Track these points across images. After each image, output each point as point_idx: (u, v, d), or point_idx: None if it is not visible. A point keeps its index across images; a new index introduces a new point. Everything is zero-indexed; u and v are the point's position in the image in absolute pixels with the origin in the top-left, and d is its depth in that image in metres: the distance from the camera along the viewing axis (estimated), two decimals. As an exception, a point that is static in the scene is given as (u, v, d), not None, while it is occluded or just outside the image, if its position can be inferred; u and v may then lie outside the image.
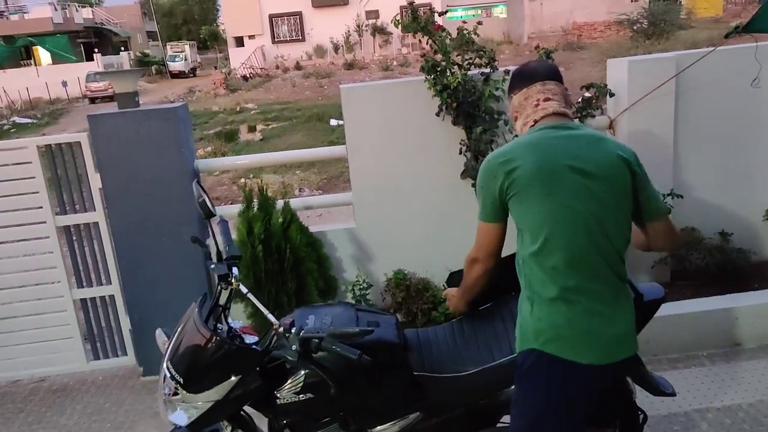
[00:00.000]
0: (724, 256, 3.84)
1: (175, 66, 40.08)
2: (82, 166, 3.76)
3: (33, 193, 3.73)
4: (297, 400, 2.05)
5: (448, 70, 3.49)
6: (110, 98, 30.91)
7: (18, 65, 34.71)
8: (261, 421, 2.23)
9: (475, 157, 3.60)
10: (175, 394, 2.02)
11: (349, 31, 33.83)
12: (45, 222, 3.77)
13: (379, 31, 33.72)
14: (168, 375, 2.04)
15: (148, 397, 3.67)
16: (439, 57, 3.52)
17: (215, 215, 2.35)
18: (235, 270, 2.25)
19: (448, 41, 3.46)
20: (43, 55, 36.78)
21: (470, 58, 3.51)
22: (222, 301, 2.23)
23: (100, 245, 3.87)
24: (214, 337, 1.99)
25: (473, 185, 3.74)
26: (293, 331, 1.95)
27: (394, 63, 29.52)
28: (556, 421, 1.84)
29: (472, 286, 2.13)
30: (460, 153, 3.66)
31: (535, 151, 1.85)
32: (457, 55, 3.50)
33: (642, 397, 2.21)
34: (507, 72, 3.52)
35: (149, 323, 3.82)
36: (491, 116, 3.56)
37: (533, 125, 1.96)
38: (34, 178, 3.71)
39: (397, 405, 2.14)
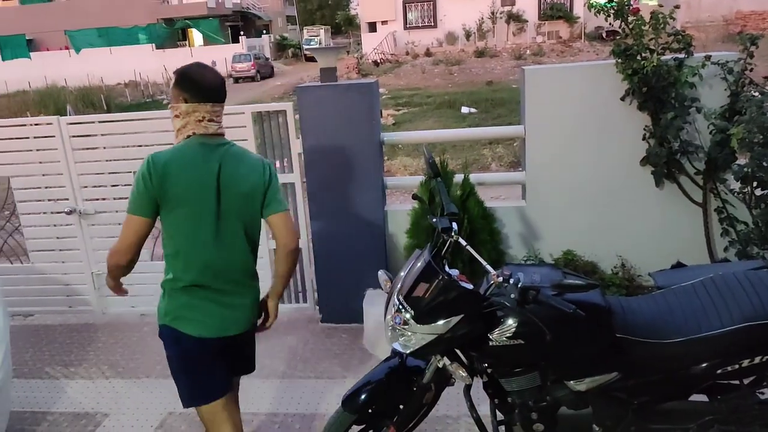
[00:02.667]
0: None
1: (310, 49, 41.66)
2: (285, 133, 4.26)
3: (244, 151, 4.27)
4: (508, 344, 2.29)
5: (639, 54, 3.57)
6: (251, 78, 32.94)
7: (175, 45, 37.93)
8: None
9: (660, 144, 3.67)
10: (405, 323, 2.36)
11: (482, 18, 33.58)
12: (252, 179, 4.30)
13: (513, 18, 33.22)
14: (399, 307, 2.37)
15: (328, 340, 4.13)
16: (630, 41, 3.61)
17: (440, 174, 2.66)
18: (455, 224, 2.55)
19: (644, 27, 3.54)
20: (196, 36, 39.87)
21: (666, 43, 3.57)
22: (443, 251, 2.54)
23: (294, 204, 4.36)
24: (447, 279, 2.30)
25: (653, 172, 3.83)
26: (511, 281, 2.22)
27: (527, 52, 29.04)
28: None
29: None
30: (643, 139, 3.75)
31: (180, 159, 2.21)
32: (649, 39, 3.57)
33: None
34: (707, 57, 3.54)
35: (330, 275, 4.31)
36: (682, 103, 3.60)
37: (188, 137, 2.26)
38: (246, 140, 4.25)
39: (597, 362, 2.28)
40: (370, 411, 2.66)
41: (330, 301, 4.37)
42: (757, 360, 2.18)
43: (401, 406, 2.72)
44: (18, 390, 3.52)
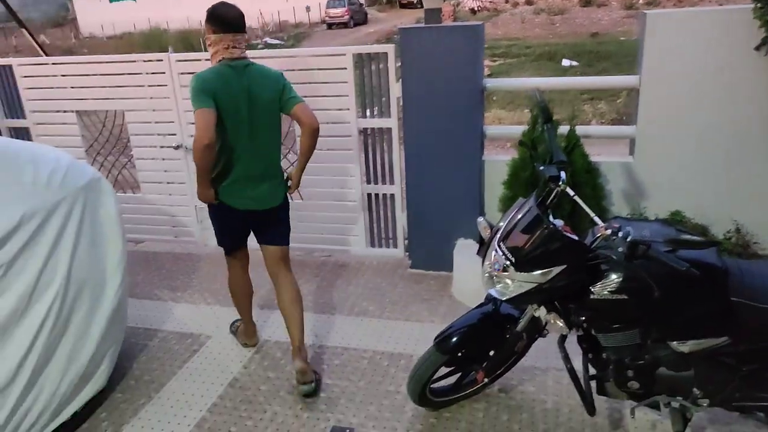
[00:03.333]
0: None
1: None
2: (384, 76, 4.23)
3: (344, 96, 4.29)
4: (610, 298, 2.22)
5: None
6: (344, 24, 32.87)
7: (271, -11, 38.33)
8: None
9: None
10: (504, 270, 2.33)
11: (590, -36, 31.65)
12: (349, 123, 4.34)
13: (625, -37, 31.12)
14: (499, 253, 2.34)
15: (416, 286, 4.17)
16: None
17: (552, 119, 2.56)
18: (563, 173, 2.46)
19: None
20: (293, -20, 40.11)
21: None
22: (548, 200, 2.46)
23: (390, 149, 4.36)
24: (552, 227, 2.24)
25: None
26: (620, 234, 2.13)
27: (640, 1, 27.21)
28: None
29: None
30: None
31: (219, 79, 2.80)
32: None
33: None
34: None
35: (422, 222, 4.32)
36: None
37: (220, 60, 2.86)
38: (346, 83, 4.26)
39: (707, 325, 2.18)
40: (460, 354, 2.69)
41: (420, 247, 4.39)
42: None
43: (491, 353, 2.74)
44: (131, 308, 3.79)
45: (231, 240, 3.23)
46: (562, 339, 2.52)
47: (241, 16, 2.91)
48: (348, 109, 4.32)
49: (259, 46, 26.23)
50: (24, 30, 7.77)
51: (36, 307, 2.62)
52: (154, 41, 26.40)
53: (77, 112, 4.92)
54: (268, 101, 2.92)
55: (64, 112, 4.94)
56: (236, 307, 3.48)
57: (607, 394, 2.48)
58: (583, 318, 2.37)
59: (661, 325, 2.26)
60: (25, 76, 4.93)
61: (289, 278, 3.23)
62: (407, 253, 4.54)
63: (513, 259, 2.29)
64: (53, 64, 4.92)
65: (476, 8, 31.17)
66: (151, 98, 4.68)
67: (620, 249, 2.09)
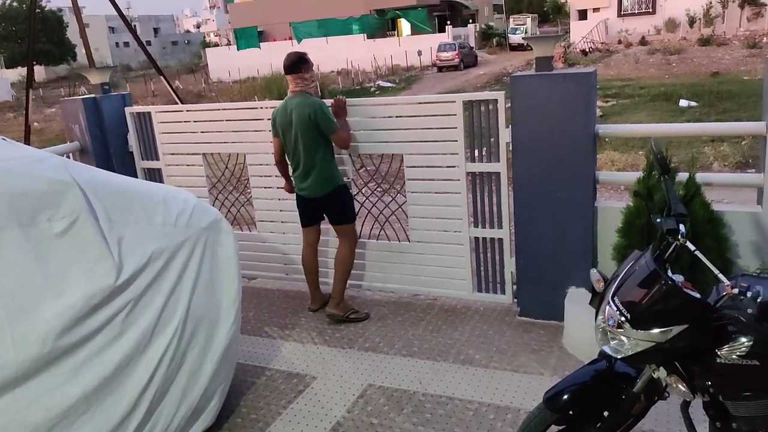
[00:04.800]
0: None
1: (515, 38, 41.09)
2: (494, 122, 4.24)
3: (453, 141, 4.34)
4: (739, 363, 2.06)
5: None
6: (455, 68, 33.34)
7: (385, 35, 39.76)
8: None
9: None
10: (619, 327, 2.23)
11: (710, 2, 30.26)
12: (457, 167, 4.37)
13: (749, 1, 29.46)
14: (614, 308, 2.24)
15: (525, 335, 4.06)
16: None
17: (670, 171, 2.46)
18: (682, 226, 2.33)
19: None
20: (405, 26, 41.39)
21: None
22: (665, 254, 2.35)
23: (498, 193, 4.34)
24: (671, 284, 2.12)
25: None
26: (749, 294, 1.98)
27: (765, 39, 25.58)
28: None
29: None
30: None
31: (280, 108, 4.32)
32: None
33: None
34: None
35: (531, 268, 4.22)
36: None
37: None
38: (456, 128, 4.31)
39: None
40: (572, 412, 2.57)
41: (529, 294, 4.28)
42: None
43: (606, 413, 2.59)
44: (242, 344, 3.95)
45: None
46: (686, 405, 2.34)
47: (290, 61, 4.15)
48: (456, 154, 4.35)
49: (372, 89, 27.14)
50: (162, 77, 8.56)
51: (157, 341, 2.79)
52: (274, 85, 28.02)
53: (203, 154, 5.31)
54: (302, 121, 4.11)
55: (193, 155, 5.35)
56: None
57: (734, 466, 2.28)
58: (709, 383, 2.21)
59: None
60: (161, 122, 5.40)
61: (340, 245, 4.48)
62: (515, 300, 4.45)
63: (628, 315, 2.19)
64: (187, 111, 5.37)
65: (588, 49, 30.56)
66: (270, 141, 4.94)
67: (749, 310, 1.95)
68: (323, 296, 4.67)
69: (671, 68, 23.84)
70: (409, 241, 4.69)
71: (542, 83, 3.98)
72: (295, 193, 4.49)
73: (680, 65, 24.17)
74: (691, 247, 2.27)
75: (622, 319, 2.20)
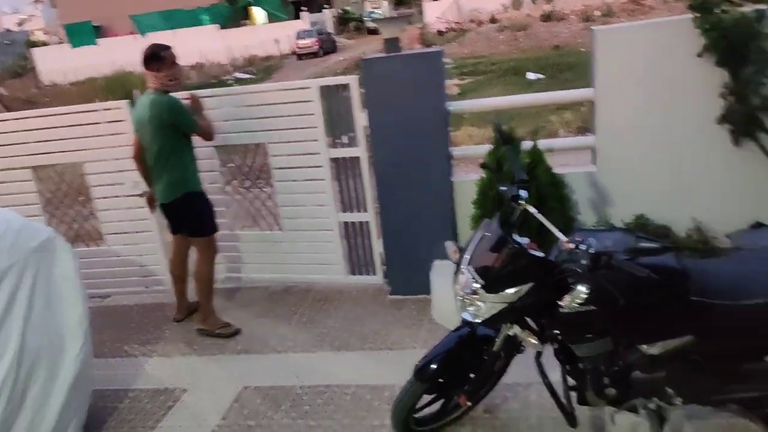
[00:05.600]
0: None
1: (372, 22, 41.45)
2: (348, 106, 4.25)
3: (313, 127, 4.29)
4: (579, 310, 2.23)
5: (719, 6, 3.34)
6: (314, 54, 33.09)
7: (239, 25, 38.41)
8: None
9: (739, 101, 3.45)
10: (475, 293, 2.33)
11: (549, -21, 32.29)
12: (320, 153, 4.34)
13: (582, -23, 31.77)
14: (468, 275, 2.34)
15: (397, 312, 4.14)
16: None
17: (509, 142, 2.59)
18: (523, 192, 2.48)
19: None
20: (259, 14, 40.35)
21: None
22: (511, 220, 2.48)
23: (359, 177, 4.37)
24: (516, 246, 2.25)
25: (731, 131, 3.61)
26: (582, 247, 2.15)
27: (596, 13, 27.77)
28: None
29: None
30: (722, 96, 3.53)
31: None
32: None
33: None
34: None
35: (397, 248, 4.31)
36: (763, 57, 3.36)
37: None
38: (313, 115, 4.26)
39: (671, 326, 2.22)
40: (440, 380, 2.66)
41: (398, 273, 4.37)
42: None
43: (472, 375, 2.72)
44: (99, 369, 3.64)
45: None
46: (539, 355, 2.52)
47: (146, 55, 3.85)
48: (317, 140, 4.32)
49: (230, 82, 26.27)
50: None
51: (-14, 382, 2.48)
52: (117, 84, 25.89)
53: (33, 167, 4.80)
54: (144, 121, 3.82)
55: (21, 168, 4.78)
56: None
57: (587, 404, 2.49)
58: (557, 331, 2.40)
59: (630, 331, 2.30)
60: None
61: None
62: (386, 280, 4.52)
63: (482, 281, 2.29)
64: (14, 119, 4.83)
65: (444, 30, 31.55)
66: (112, 147, 4.59)
67: (584, 261, 2.12)
68: (189, 305, 4.41)
69: (519, 44, 25.21)
70: (281, 231, 4.63)
71: (392, 65, 4.04)
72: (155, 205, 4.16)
73: (526, 40, 25.61)
74: (532, 210, 2.42)
75: (477, 285, 2.30)
